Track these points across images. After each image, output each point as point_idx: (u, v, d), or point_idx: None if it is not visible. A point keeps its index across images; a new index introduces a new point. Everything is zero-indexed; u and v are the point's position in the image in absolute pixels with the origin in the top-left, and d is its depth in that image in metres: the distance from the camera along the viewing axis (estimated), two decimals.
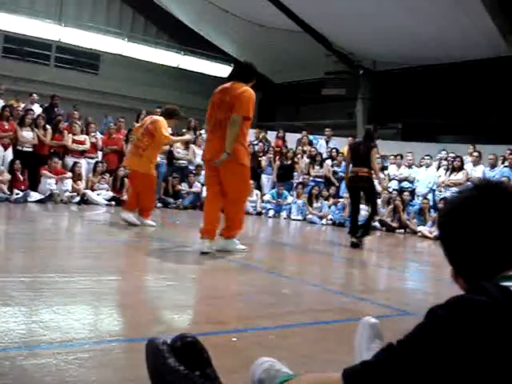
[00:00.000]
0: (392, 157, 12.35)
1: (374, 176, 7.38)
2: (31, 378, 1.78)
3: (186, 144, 12.05)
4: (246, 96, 4.94)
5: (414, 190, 11.62)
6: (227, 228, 5.38)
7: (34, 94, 12.47)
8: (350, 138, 13.37)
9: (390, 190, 11.50)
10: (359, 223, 7.47)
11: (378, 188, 11.51)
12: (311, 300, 3.75)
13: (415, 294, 4.50)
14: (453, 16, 12.62)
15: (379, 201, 11.12)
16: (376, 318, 1.85)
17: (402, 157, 12.17)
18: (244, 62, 5.56)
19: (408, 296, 4.31)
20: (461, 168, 10.62)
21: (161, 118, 7.11)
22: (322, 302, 3.64)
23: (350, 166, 7.39)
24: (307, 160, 12.79)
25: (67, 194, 9.89)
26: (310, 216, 11.47)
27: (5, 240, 5.34)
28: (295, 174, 12.72)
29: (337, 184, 12.16)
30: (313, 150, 13.01)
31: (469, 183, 10.33)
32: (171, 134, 7.85)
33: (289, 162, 12.73)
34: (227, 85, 5.15)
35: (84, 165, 10.75)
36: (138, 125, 7.85)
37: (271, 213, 11.83)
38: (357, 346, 1.81)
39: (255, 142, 13.65)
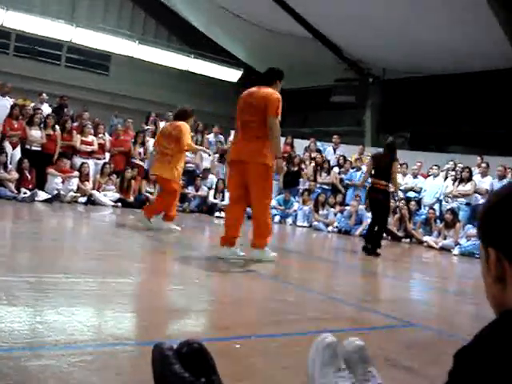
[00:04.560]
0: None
1: (390, 189, 7.48)
2: (34, 380, 1.78)
3: None
4: (274, 97, 5.04)
5: (421, 199, 11.58)
6: (258, 237, 5.12)
7: (44, 94, 12.49)
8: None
9: (397, 199, 11.46)
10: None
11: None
12: (316, 308, 3.73)
13: (420, 304, 4.48)
14: (463, 26, 12.60)
15: None
16: (334, 336, 1.70)
17: (406, 166, 12.15)
18: (270, 67, 5.57)
19: (412, 307, 4.29)
20: (469, 179, 10.56)
21: (182, 123, 6.99)
22: (327, 311, 3.63)
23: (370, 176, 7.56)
24: (314, 165, 12.79)
25: (71, 193, 9.92)
26: (315, 223, 11.45)
27: (11, 239, 5.35)
28: (301, 180, 12.71)
29: (343, 191, 12.17)
30: (319, 156, 13.00)
31: (476, 195, 10.30)
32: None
33: (295, 169, 12.72)
34: (253, 89, 5.27)
35: (91, 165, 10.77)
36: (159, 134, 7.66)
37: (277, 219, 11.82)
38: (309, 372, 1.66)
39: None
